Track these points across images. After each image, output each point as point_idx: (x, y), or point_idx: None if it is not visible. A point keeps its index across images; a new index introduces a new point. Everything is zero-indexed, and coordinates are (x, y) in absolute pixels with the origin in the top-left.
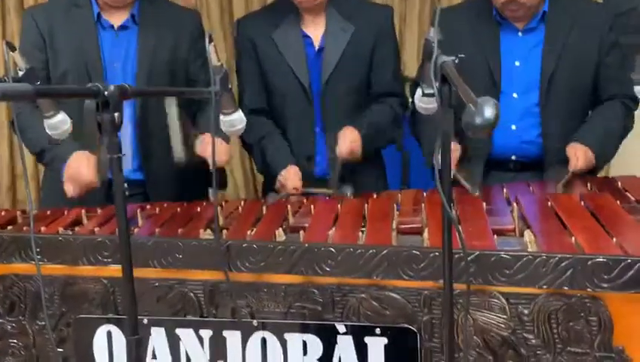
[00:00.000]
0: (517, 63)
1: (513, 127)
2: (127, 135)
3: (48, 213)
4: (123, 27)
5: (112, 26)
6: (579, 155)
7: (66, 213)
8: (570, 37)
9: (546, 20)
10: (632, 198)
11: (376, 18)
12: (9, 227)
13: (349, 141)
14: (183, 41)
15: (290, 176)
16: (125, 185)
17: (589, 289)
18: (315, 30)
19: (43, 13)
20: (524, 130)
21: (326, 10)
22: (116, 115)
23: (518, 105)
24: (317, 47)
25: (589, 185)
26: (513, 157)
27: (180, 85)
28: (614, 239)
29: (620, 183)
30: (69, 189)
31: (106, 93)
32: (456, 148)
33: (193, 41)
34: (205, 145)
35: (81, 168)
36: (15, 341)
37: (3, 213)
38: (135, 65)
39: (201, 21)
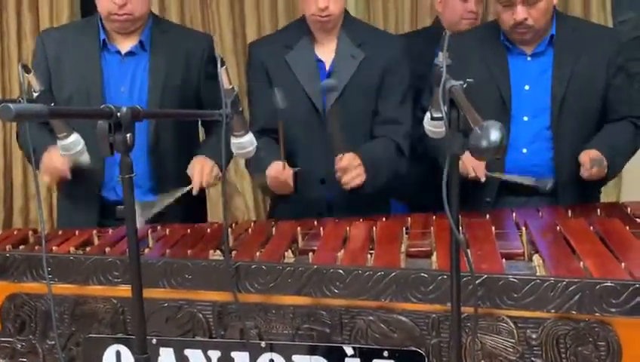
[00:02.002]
0: (527, 87)
1: (524, 150)
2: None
3: (60, 232)
4: (130, 53)
5: (119, 52)
6: (596, 160)
7: (77, 233)
8: (579, 61)
9: (554, 44)
10: None
11: (388, 47)
12: (21, 246)
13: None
14: (193, 63)
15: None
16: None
17: (597, 314)
18: (327, 54)
19: (54, 37)
20: (535, 154)
21: (338, 35)
22: (128, 135)
23: (529, 128)
24: (327, 71)
25: (598, 210)
26: None
27: (190, 107)
28: (623, 264)
29: (629, 209)
30: (46, 179)
31: (118, 114)
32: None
33: (204, 63)
34: (191, 166)
35: (53, 159)
36: (25, 360)
37: (15, 233)
38: (146, 89)
39: (212, 44)
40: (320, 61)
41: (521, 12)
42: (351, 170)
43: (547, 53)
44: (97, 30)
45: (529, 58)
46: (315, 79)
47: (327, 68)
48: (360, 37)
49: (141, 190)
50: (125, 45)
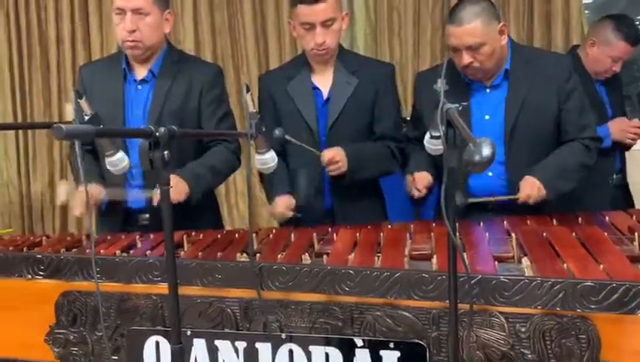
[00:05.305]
0: (487, 117)
1: (490, 173)
2: None
3: (108, 237)
4: (143, 80)
5: (136, 80)
6: (527, 186)
7: (123, 237)
8: (531, 92)
9: (508, 77)
10: (618, 231)
11: (378, 74)
12: (73, 250)
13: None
14: (194, 90)
15: (280, 204)
16: (147, 215)
17: (578, 310)
18: (324, 83)
19: (90, 68)
20: (499, 176)
21: (334, 65)
22: (166, 153)
23: None
24: (325, 98)
25: (580, 219)
26: None
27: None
28: (601, 266)
29: (607, 218)
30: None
31: (157, 134)
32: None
33: (205, 89)
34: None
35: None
36: (76, 349)
37: (68, 238)
38: (147, 112)
39: (219, 73)
40: (317, 89)
41: (466, 57)
42: (332, 163)
43: (502, 86)
44: (121, 62)
45: (488, 90)
46: (312, 105)
47: (325, 95)
48: (353, 65)
49: None
50: (140, 74)
